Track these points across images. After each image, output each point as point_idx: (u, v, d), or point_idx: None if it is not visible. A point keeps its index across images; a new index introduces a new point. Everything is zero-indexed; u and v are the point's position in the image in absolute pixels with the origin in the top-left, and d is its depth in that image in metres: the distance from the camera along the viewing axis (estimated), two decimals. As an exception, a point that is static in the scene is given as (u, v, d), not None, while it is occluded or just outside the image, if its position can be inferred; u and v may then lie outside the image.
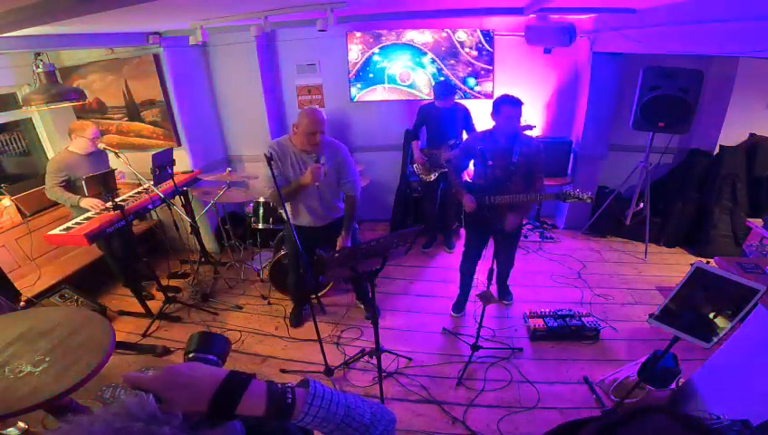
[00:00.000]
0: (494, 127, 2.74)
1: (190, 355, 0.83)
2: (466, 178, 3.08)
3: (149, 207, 3.48)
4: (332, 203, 2.83)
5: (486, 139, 2.77)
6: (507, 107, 2.61)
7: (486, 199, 2.70)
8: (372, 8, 3.46)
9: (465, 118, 3.85)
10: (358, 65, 4.34)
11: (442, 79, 4.22)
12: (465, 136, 3.86)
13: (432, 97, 3.93)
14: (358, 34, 4.22)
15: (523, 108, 2.67)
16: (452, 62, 4.28)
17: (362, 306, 3.42)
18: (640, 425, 0.52)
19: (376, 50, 4.26)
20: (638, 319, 3.14)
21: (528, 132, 2.81)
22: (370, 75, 4.36)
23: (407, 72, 4.34)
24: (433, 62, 4.28)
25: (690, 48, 2.73)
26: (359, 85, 4.42)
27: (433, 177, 4.00)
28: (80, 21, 2.24)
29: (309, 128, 2.49)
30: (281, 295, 3.59)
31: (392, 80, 4.37)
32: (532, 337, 2.98)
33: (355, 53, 4.29)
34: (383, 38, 4.22)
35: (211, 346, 0.84)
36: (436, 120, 3.86)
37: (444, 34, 4.19)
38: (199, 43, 3.10)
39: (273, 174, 2.26)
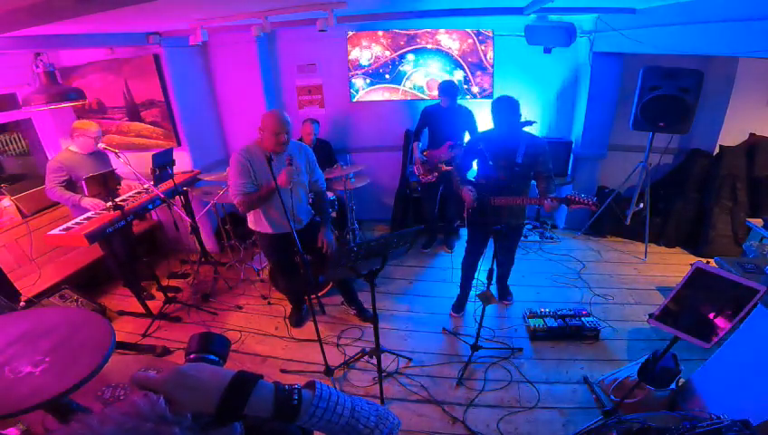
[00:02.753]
0: (494, 128, 2.74)
1: (191, 356, 0.83)
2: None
3: (149, 207, 3.48)
4: (304, 204, 2.82)
5: (489, 139, 2.76)
6: (503, 108, 2.60)
7: (490, 201, 2.70)
8: (372, 8, 3.46)
9: (468, 120, 3.83)
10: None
11: (448, 78, 4.20)
12: (467, 138, 3.85)
13: (437, 97, 3.91)
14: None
15: (523, 108, 2.66)
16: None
17: (353, 311, 3.35)
18: None
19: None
20: (638, 319, 3.14)
21: (528, 128, 2.78)
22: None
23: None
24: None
25: (690, 48, 2.73)
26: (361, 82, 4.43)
27: (433, 177, 4.00)
28: (80, 21, 2.24)
29: (275, 129, 2.47)
30: (281, 295, 3.59)
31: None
32: (533, 337, 2.98)
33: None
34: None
35: (211, 346, 0.84)
36: (440, 121, 3.85)
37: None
38: (199, 43, 3.10)
39: (272, 173, 2.28)
